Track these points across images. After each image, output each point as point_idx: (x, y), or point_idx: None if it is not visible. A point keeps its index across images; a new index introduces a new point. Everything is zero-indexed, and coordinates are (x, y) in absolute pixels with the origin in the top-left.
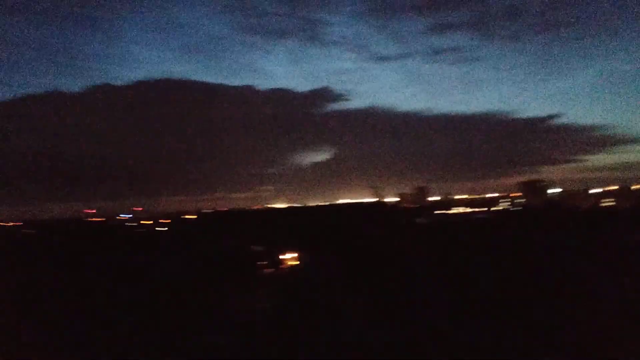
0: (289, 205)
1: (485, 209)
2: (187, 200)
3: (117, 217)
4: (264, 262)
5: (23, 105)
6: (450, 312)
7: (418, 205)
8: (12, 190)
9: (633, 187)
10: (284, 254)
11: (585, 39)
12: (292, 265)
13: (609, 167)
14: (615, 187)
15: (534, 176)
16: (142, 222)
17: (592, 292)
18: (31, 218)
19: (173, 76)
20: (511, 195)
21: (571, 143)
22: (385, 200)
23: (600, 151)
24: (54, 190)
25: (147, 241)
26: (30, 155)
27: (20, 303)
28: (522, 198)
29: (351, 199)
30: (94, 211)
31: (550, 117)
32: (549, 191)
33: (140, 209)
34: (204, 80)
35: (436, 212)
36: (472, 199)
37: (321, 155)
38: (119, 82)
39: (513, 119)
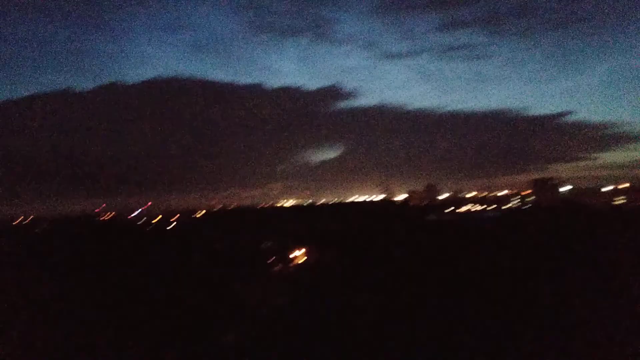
0: (298, 202)
1: (495, 206)
2: (196, 198)
3: (127, 215)
4: (273, 259)
5: (34, 103)
6: (459, 311)
7: (427, 203)
8: (24, 188)
9: None
10: (293, 251)
11: (597, 36)
12: (301, 262)
13: (620, 165)
14: (626, 185)
15: (545, 174)
16: (151, 219)
17: (607, 293)
18: (42, 215)
19: (183, 75)
20: (522, 193)
21: (582, 140)
22: (395, 198)
23: (612, 149)
24: (65, 188)
25: (156, 238)
26: (42, 153)
27: (30, 300)
28: (533, 196)
29: (360, 196)
30: (104, 207)
31: (562, 114)
32: (560, 189)
33: (149, 204)
34: (214, 79)
35: (446, 210)
36: (482, 197)
37: (330, 153)
38: (129, 81)
39: (524, 117)
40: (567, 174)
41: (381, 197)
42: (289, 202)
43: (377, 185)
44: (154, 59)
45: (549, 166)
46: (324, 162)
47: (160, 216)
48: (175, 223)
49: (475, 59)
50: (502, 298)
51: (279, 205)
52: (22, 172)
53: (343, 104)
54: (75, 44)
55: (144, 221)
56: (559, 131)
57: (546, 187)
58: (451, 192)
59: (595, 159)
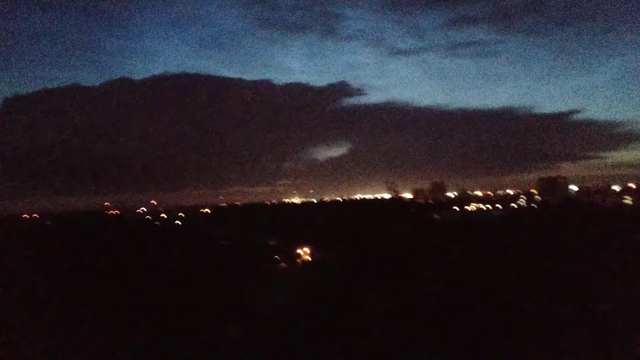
0: (304, 199)
1: (501, 207)
2: (203, 194)
3: (134, 211)
4: (279, 257)
5: (43, 98)
6: (466, 311)
7: (434, 202)
8: (31, 183)
9: None
10: (298, 248)
11: (607, 34)
12: (307, 260)
13: (629, 164)
14: (635, 185)
15: (553, 173)
16: (158, 215)
17: (613, 293)
18: (50, 211)
19: (191, 70)
20: (530, 191)
21: (591, 139)
22: (401, 196)
23: (621, 148)
24: (73, 183)
25: (162, 234)
26: (50, 148)
27: (35, 296)
28: (541, 195)
29: (367, 194)
30: (110, 204)
31: (571, 112)
32: (569, 189)
33: (155, 202)
34: (222, 75)
35: (453, 208)
36: (489, 196)
37: (337, 150)
38: (137, 77)
39: (532, 115)
40: (575, 173)
41: (388, 195)
42: (295, 199)
43: (384, 183)
44: (161, 54)
45: (557, 165)
46: (330, 159)
47: (167, 212)
48: (181, 219)
49: (483, 56)
50: (505, 298)
51: (285, 202)
52: (29, 167)
53: (350, 101)
54: (83, 39)
55: (151, 217)
56: (567, 130)
57: (554, 186)
58: (458, 191)
59: (604, 158)
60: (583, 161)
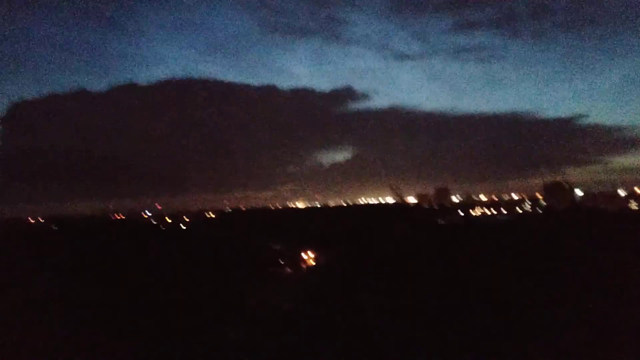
0: (309, 204)
1: (506, 212)
2: (208, 199)
3: (140, 215)
4: (284, 261)
5: (50, 103)
6: (469, 314)
7: (438, 206)
8: (38, 187)
9: None
10: (302, 254)
11: (611, 38)
12: (311, 265)
13: (635, 169)
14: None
15: (558, 177)
16: (163, 219)
17: (616, 298)
18: (55, 215)
19: (196, 75)
20: (535, 196)
21: (596, 144)
22: (406, 201)
23: (626, 152)
24: (79, 187)
25: (167, 239)
26: (56, 153)
27: (39, 298)
28: (546, 200)
29: (372, 198)
30: (115, 209)
31: (576, 117)
32: (575, 194)
33: (160, 207)
34: (227, 80)
35: (457, 213)
36: (494, 201)
37: (342, 155)
38: (143, 82)
39: (537, 119)
40: (580, 177)
41: (392, 200)
42: (300, 204)
43: (389, 187)
44: (167, 59)
45: (562, 169)
46: (335, 164)
47: (172, 217)
48: (186, 224)
49: (488, 61)
50: (505, 298)
51: (289, 206)
52: (35, 170)
53: (355, 106)
54: (89, 44)
55: (156, 222)
56: (573, 134)
57: (559, 191)
58: (462, 196)
59: (609, 162)
60: (588, 166)
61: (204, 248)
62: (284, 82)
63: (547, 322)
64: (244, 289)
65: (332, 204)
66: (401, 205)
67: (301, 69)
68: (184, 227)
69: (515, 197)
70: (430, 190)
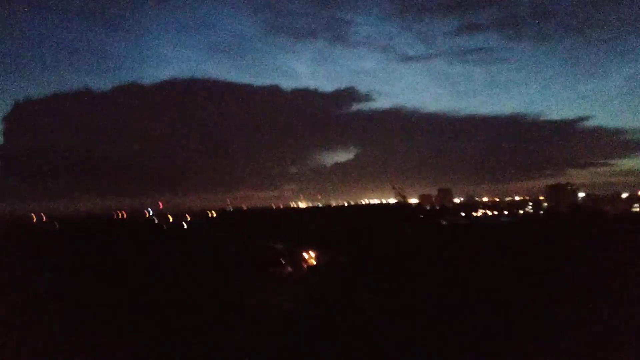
0: (311, 204)
1: (508, 213)
2: (210, 198)
3: (141, 214)
4: (284, 261)
5: (54, 102)
6: (469, 314)
7: (441, 207)
8: (40, 186)
9: None
10: (304, 253)
11: (615, 41)
12: (312, 264)
13: (637, 172)
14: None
15: (561, 179)
16: (165, 219)
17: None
18: (58, 213)
19: (200, 75)
20: (539, 198)
21: (599, 146)
22: (408, 201)
23: (629, 155)
24: (83, 186)
25: (169, 237)
26: (59, 152)
27: (39, 296)
28: (548, 201)
29: (374, 199)
30: (117, 207)
31: (579, 119)
32: (577, 196)
33: (163, 205)
34: (231, 80)
35: (459, 214)
36: (496, 202)
37: (344, 155)
38: (146, 81)
39: (541, 121)
40: (583, 180)
41: (394, 200)
42: (301, 204)
43: (391, 188)
44: (171, 59)
45: (565, 172)
46: (337, 164)
47: (174, 215)
48: (188, 223)
49: (492, 63)
50: (505, 298)
51: (291, 206)
52: (39, 169)
53: (358, 107)
54: (93, 44)
55: (158, 220)
56: (576, 137)
57: (561, 193)
58: (465, 197)
59: (612, 165)
60: (591, 168)
61: (205, 247)
62: (288, 83)
63: (547, 322)
64: (244, 289)
65: (333, 204)
66: (402, 206)
67: (304, 69)
68: (186, 226)
69: (517, 198)
70: (433, 191)
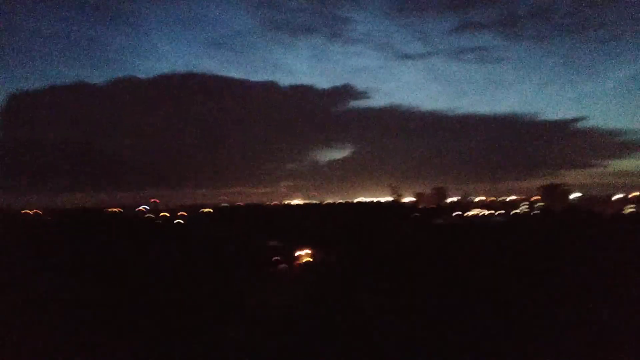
0: (306, 201)
1: (503, 211)
2: (205, 194)
3: (136, 208)
4: (281, 259)
5: (49, 95)
6: (469, 314)
7: (436, 206)
8: (35, 179)
9: None
10: (298, 250)
11: (613, 41)
12: (309, 262)
13: (632, 173)
14: (637, 194)
15: (555, 180)
16: (159, 214)
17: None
18: (52, 207)
19: (197, 70)
20: (532, 199)
21: (595, 147)
22: (403, 199)
23: (625, 156)
24: (77, 180)
25: (163, 233)
26: (54, 145)
27: (29, 294)
28: (542, 202)
29: (369, 197)
30: (112, 202)
31: (575, 120)
32: (571, 196)
33: (157, 201)
34: (227, 75)
35: (454, 213)
36: (491, 201)
37: (340, 153)
38: (142, 75)
39: (537, 121)
40: (577, 180)
41: (389, 198)
42: (296, 201)
43: (386, 186)
44: (168, 53)
45: (561, 172)
46: (333, 162)
47: (169, 211)
48: (182, 218)
49: (489, 62)
50: (506, 298)
51: (286, 203)
52: (32, 162)
53: (355, 104)
54: (89, 36)
55: (152, 216)
56: (571, 137)
57: (556, 193)
58: (460, 196)
59: (608, 165)
60: (587, 169)
61: (201, 244)
62: (284, 79)
63: (547, 322)
64: (241, 288)
65: (329, 201)
66: (396, 204)
67: (302, 66)
68: (181, 222)
69: (513, 198)
70: (428, 190)
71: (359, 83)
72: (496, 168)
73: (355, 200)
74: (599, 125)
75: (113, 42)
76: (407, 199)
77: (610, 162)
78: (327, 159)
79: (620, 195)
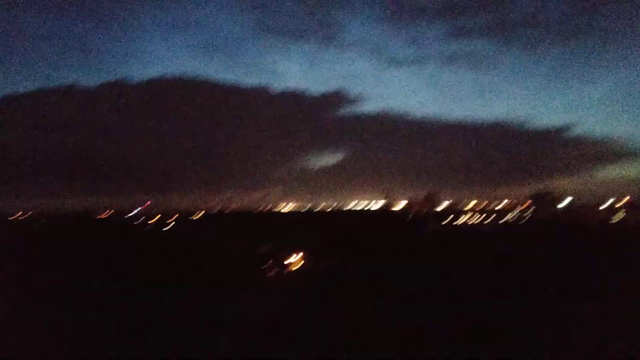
0: (297, 207)
1: (493, 218)
2: (196, 199)
3: (125, 214)
4: (269, 264)
5: (39, 98)
6: (469, 314)
7: (426, 213)
8: (25, 183)
9: None
10: (290, 256)
11: (603, 49)
12: (297, 268)
13: (621, 181)
14: (626, 200)
15: (545, 187)
16: (149, 219)
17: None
18: (41, 212)
19: (188, 74)
20: (522, 206)
21: (584, 155)
22: (394, 206)
23: (614, 164)
24: (66, 185)
25: (152, 239)
26: (44, 149)
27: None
28: (531, 209)
29: (360, 203)
30: (102, 207)
31: (565, 127)
32: (560, 204)
33: (147, 203)
34: (219, 80)
35: (444, 220)
36: (481, 208)
37: (332, 158)
38: (134, 79)
39: (527, 128)
40: (567, 187)
41: (380, 204)
42: (288, 207)
43: (378, 192)
44: (160, 57)
45: (550, 179)
46: (325, 168)
47: (159, 216)
48: (172, 224)
49: (480, 69)
50: (507, 301)
51: (277, 209)
52: (23, 166)
53: (347, 110)
54: (80, 40)
55: (142, 221)
56: (561, 144)
57: (546, 200)
58: (451, 202)
59: (597, 174)
60: (577, 176)
61: (190, 250)
62: (277, 84)
63: (547, 322)
64: (229, 294)
65: (320, 207)
66: (388, 211)
67: (294, 70)
68: (171, 227)
69: (503, 203)
70: (419, 196)
71: (350, 88)
72: (486, 175)
73: (348, 207)
74: (589, 133)
75: (104, 46)
76: (399, 205)
77: (599, 169)
78: (319, 164)
79: (609, 203)
